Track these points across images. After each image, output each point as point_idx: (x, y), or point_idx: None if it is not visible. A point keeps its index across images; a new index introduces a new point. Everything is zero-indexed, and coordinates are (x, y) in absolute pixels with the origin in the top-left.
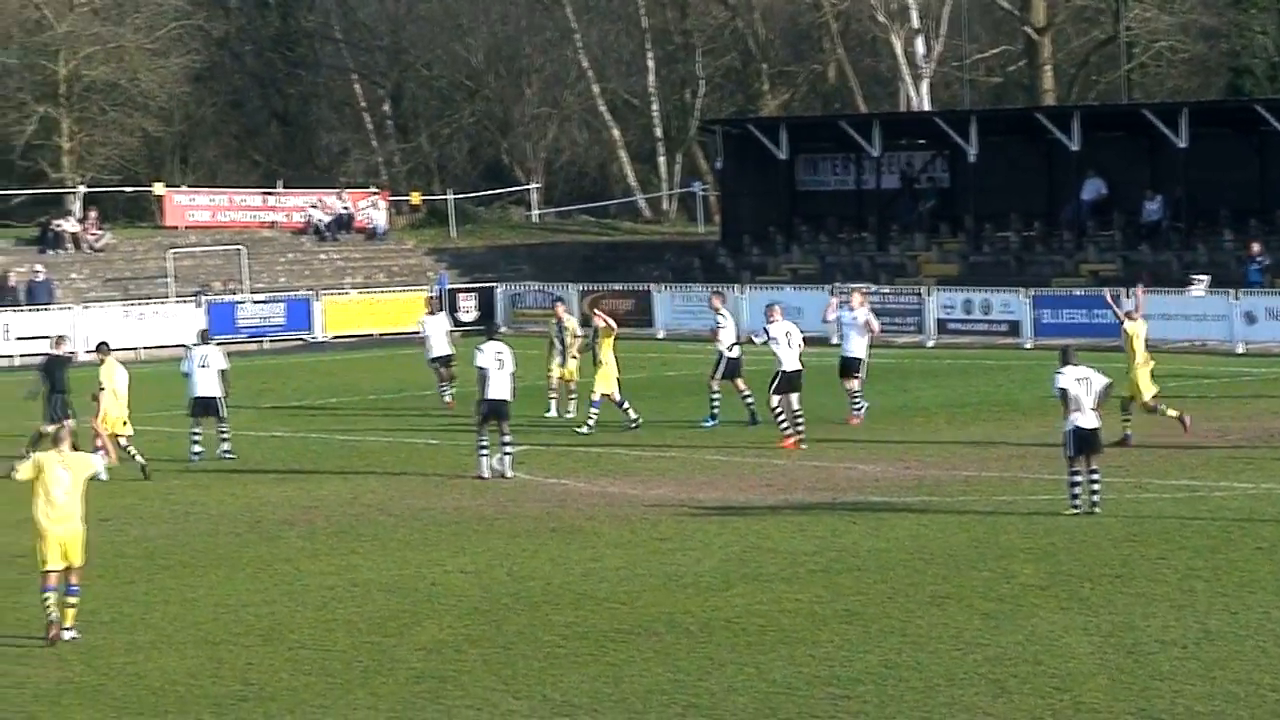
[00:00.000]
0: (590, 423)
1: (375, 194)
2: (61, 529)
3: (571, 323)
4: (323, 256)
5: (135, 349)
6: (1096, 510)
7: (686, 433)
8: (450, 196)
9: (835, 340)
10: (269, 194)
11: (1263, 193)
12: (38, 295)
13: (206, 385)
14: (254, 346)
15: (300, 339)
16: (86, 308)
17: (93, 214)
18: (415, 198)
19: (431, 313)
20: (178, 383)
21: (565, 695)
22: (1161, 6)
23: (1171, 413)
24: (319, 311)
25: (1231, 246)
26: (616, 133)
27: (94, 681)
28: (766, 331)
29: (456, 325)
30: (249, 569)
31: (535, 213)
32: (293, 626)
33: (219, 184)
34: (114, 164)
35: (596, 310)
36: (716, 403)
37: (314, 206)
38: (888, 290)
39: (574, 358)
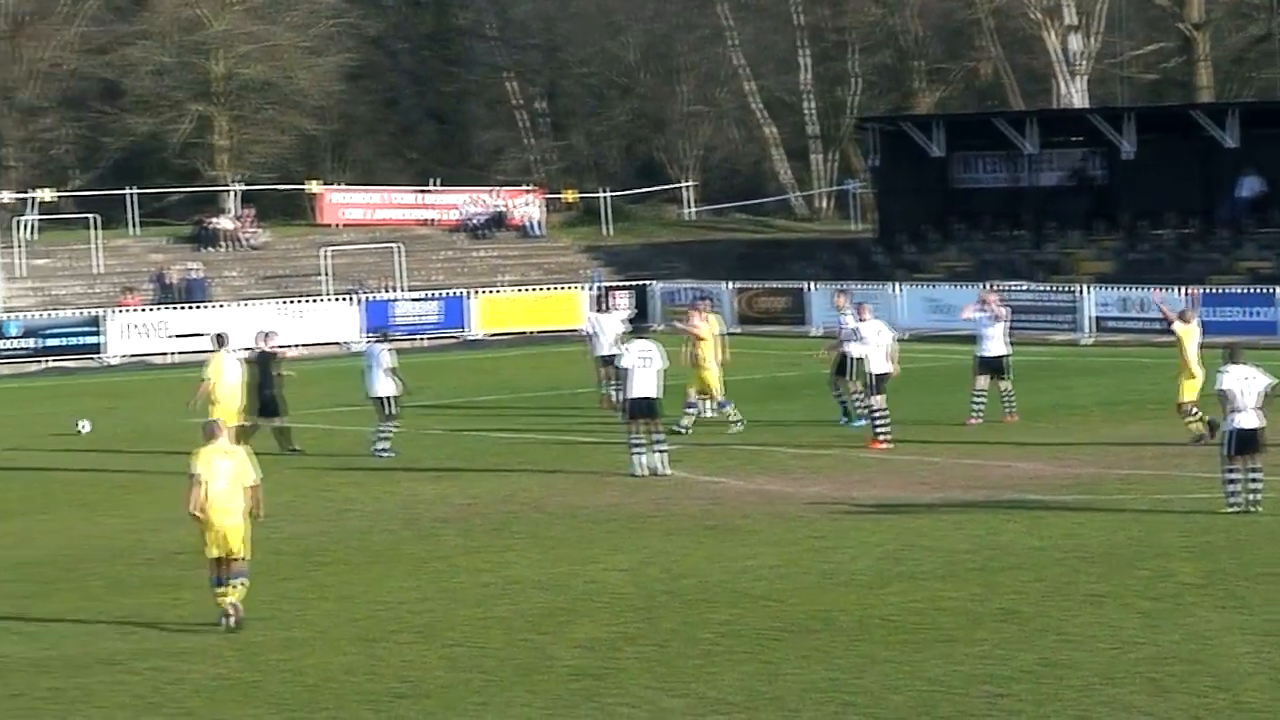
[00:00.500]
0: (685, 422)
1: (530, 191)
2: (223, 521)
3: (716, 324)
4: (477, 254)
5: (291, 346)
6: (1255, 509)
7: (843, 431)
8: (604, 194)
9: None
10: (424, 192)
11: None
12: (194, 293)
13: (385, 384)
14: (409, 344)
15: (455, 336)
16: (242, 305)
17: (248, 212)
18: (570, 195)
19: (601, 310)
20: (333, 380)
21: (721, 693)
22: None
23: (1194, 428)
24: (474, 309)
25: None
26: (770, 130)
27: (251, 678)
28: (856, 331)
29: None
30: (405, 566)
31: (689, 210)
32: (449, 624)
33: (374, 182)
34: (269, 162)
35: (692, 311)
36: (846, 402)
37: (469, 204)
38: (1043, 288)
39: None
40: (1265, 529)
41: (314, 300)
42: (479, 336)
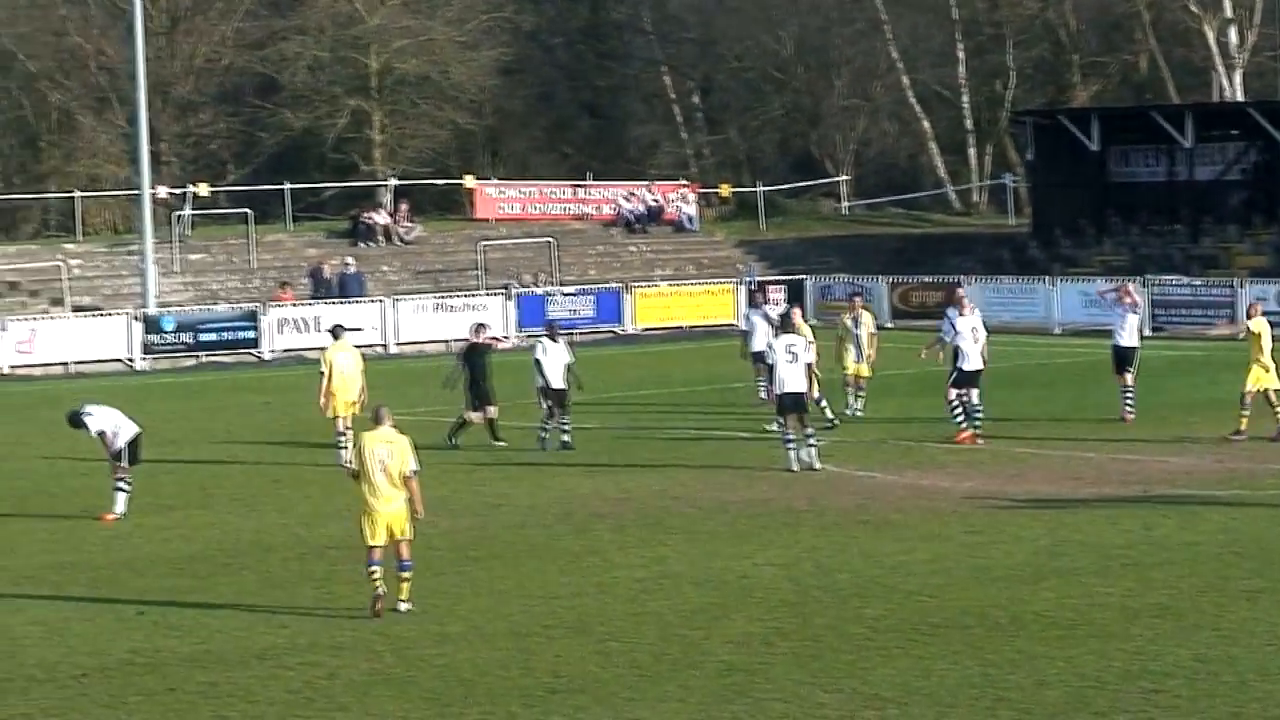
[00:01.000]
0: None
1: (685, 186)
2: (385, 507)
3: (869, 320)
4: (632, 249)
5: (446, 341)
6: None
7: (999, 425)
8: (760, 189)
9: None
10: (579, 186)
11: None
12: (349, 288)
13: (555, 376)
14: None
15: (610, 331)
16: (397, 300)
17: (404, 207)
18: (725, 190)
19: (756, 306)
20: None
21: (874, 688)
22: None
23: (1244, 424)
24: (629, 304)
25: None
26: (926, 124)
27: (403, 673)
28: (954, 326)
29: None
30: (559, 561)
31: (845, 204)
32: (602, 619)
33: (529, 177)
34: (424, 157)
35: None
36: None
37: (624, 199)
38: (1200, 282)
39: (869, 356)
40: None
41: (469, 295)
42: (634, 331)
